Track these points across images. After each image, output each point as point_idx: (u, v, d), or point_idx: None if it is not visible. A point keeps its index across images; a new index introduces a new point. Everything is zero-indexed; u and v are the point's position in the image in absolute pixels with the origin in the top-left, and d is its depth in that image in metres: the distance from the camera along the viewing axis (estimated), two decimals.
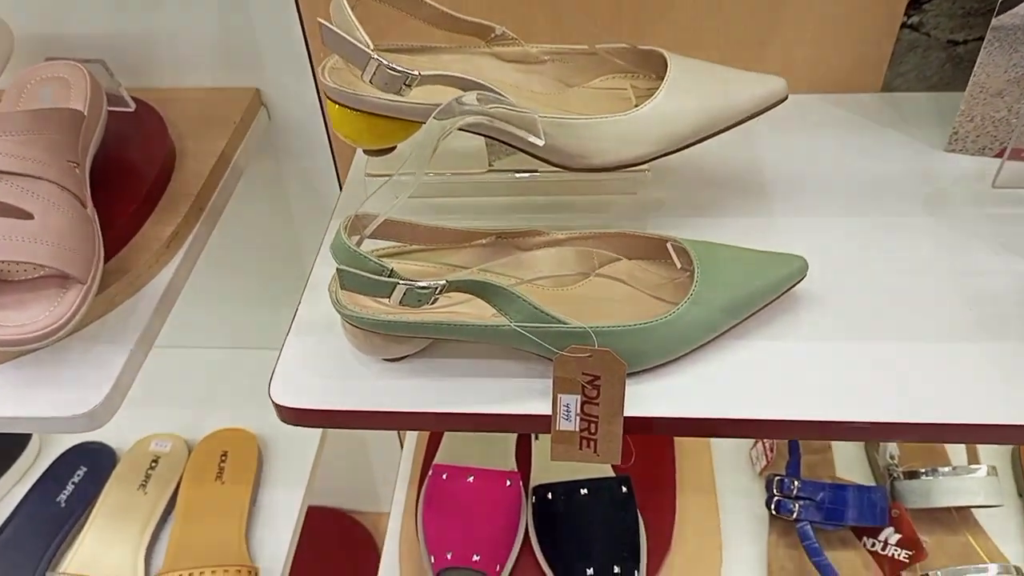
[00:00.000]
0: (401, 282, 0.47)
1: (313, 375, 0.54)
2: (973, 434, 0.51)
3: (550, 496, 0.84)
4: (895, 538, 0.81)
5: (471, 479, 0.84)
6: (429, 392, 0.53)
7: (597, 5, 0.71)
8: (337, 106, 0.57)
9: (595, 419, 0.50)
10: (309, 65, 0.76)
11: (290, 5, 0.72)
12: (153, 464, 0.92)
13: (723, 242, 0.56)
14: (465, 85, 0.53)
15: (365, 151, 0.60)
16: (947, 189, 0.66)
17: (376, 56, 0.52)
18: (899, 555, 0.80)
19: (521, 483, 0.85)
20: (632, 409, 0.50)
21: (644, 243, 0.56)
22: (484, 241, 0.56)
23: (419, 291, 0.48)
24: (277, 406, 0.53)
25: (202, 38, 0.74)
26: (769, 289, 0.54)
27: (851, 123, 0.74)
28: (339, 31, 0.53)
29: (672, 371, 0.53)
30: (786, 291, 0.55)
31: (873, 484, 0.87)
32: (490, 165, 0.62)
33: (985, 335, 0.54)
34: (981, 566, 0.78)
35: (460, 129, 0.52)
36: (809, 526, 0.80)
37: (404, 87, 0.53)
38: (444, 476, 0.85)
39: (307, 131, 0.80)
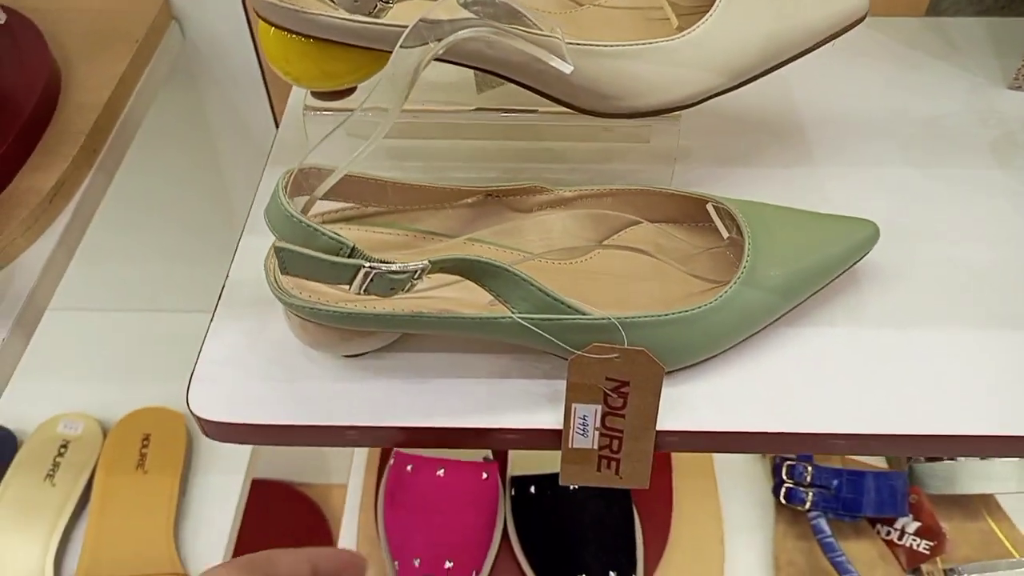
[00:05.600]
0: (367, 265, 0.34)
1: (245, 377, 0.41)
2: None
3: (532, 490, 0.73)
4: (913, 527, 0.73)
5: (441, 472, 0.73)
6: (399, 399, 0.40)
7: None
8: (273, 29, 0.41)
9: (619, 434, 0.39)
10: None
11: None
12: (62, 450, 0.79)
13: (765, 201, 0.45)
14: None
15: (313, 93, 0.45)
16: (1017, 135, 0.55)
17: None
18: (918, 545, 0.72)
19: (499, 475, 0.73)
20: (667, 421, 0.39)
21: (675, 203, 0.44)
22: (470, 200, 0.43)
23: (392, 277, 0.35)
24: (199, 419, 0.40)
25: None
26: (836, 263, 0.43)
27: (895, 53, 0.62)
28: None
29: (713, 370, 0.41)
30: (851, 266, 0.44)
31: (887, 468, 0.77)
32: (479, 94, 0.47)
33: None
34: (1014, 560, 0.70)
35: (441, 60, 0.39)
36: (824, 519, 0.71)
37: (381, 3, 0.38)
38: (409, 468, 0.73)
39: (232, 51, 0.65)
